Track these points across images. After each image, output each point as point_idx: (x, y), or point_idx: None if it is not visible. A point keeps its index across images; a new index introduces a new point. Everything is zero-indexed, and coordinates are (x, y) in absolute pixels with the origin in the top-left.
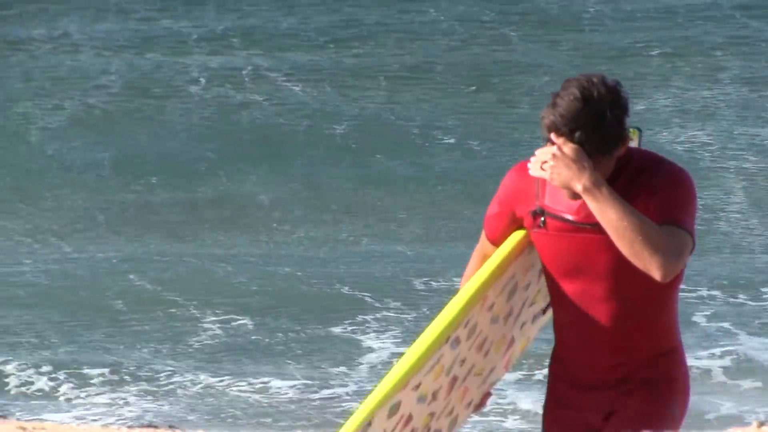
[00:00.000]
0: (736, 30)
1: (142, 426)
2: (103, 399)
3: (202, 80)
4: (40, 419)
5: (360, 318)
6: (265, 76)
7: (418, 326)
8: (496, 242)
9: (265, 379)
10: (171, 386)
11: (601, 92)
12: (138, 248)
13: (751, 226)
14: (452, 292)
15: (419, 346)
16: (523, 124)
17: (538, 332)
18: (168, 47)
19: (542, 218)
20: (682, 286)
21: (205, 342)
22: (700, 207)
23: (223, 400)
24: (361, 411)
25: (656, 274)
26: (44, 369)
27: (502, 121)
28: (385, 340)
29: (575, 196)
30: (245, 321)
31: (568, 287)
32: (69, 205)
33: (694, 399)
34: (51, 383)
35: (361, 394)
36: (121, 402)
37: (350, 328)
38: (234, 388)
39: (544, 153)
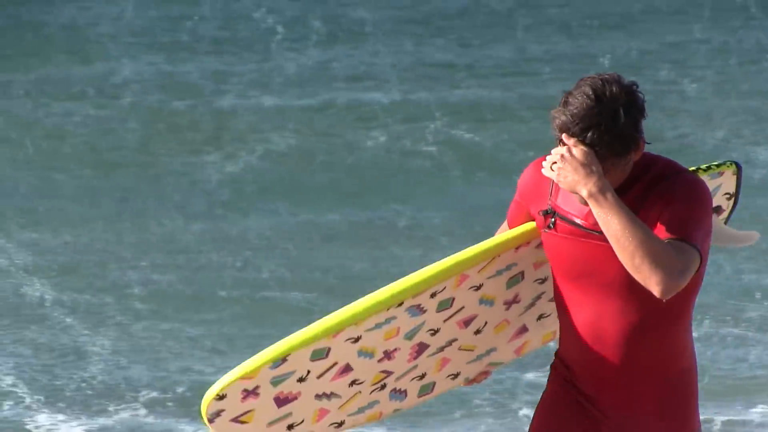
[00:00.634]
0: None
1: None
2: None
3: None
4: None
5: None
6: None
7: None
8: (511, 225)
9: None
10: None
11: (614, 92)
12: None
13: None
14: None
15: (358, 304)
16: None
17: None
18: None
19: (552, 219)
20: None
21: None
22: None
23: None
24: (276, 347)
25: (655, 290)
26: None
27: None
28: None
29: (582, 199)
30: None
31: (575, 295)
32: None
33: None
34: None
35: None
36: None
37: None
38: None
39: (556, 152)
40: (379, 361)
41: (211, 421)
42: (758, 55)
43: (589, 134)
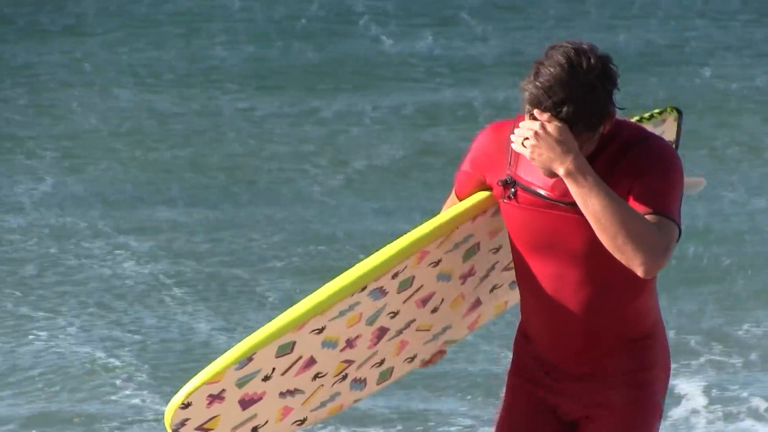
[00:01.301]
0: None
1: None
2: None
3: None
4: None
5: None
6: None
7: None
8: (461, 197)
9: None
10: None
11: (590, 62)
12: None
13: None
14: None
15: (322, 292)
16: None
17: (517, 298)
18: None
19: (512, 189)
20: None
21: None
22: None
23: None
24: (241, 346)
25: (639, 271)
26: None
27: None
28: None
29: (552, 174)
30: None
31: (537, 265)
32: None
33: None
34: None
35: None
36: None
37: None
38: None
39: (527, 128)
40: (342, 350)
41: (175, 431)
42: None
43: (564, 109)
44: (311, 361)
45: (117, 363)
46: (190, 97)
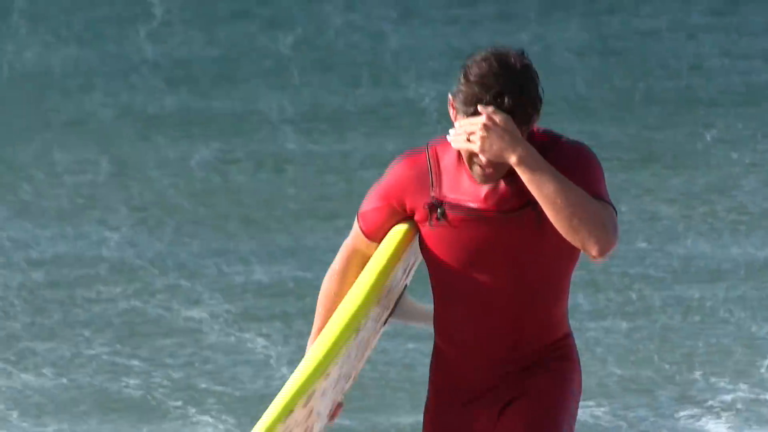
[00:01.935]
0: None
1: None
2: None
3: None
4: None
5: None
6: None
7: None
8: (374, 237)
9: None
10: None
11: (516, 57)
12: None
13: None
14: None
15: (335, 336)
16: None
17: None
18: None
19: (440, 210)
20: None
21: None
22: None
23: None
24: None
25: (594, 250)
26: None
27: None
28: None
29: (486, 178)
30: None
31: (467, 280)
32: None
33: None
34: None
35: None
36: None
37: None
38: None
39: (470, 124)
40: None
41: None
42: None
43: (505, 100)
44: (311, 410)
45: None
46: None
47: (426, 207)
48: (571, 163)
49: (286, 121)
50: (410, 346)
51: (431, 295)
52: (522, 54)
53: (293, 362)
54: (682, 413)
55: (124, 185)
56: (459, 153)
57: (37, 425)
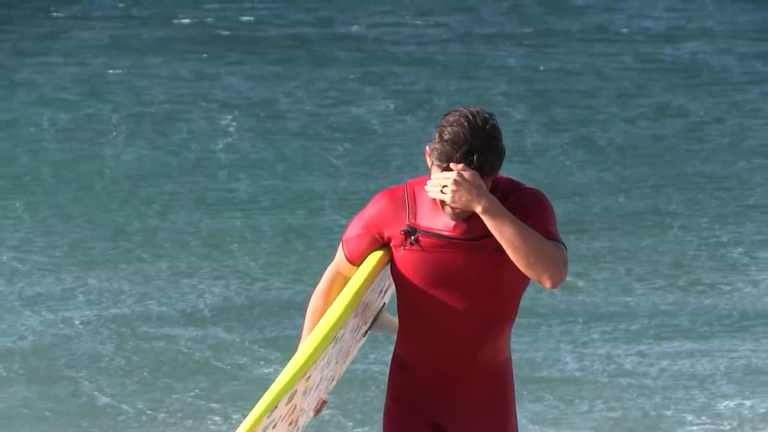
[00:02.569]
0: None
1: None
2: None
3: None
4: None
5: None
6: None
7: None
8: (356, 262)
9: None
10: None
11: (484, 118)
12: None
13: None
14: None
15: (315, 345)
16: None
17: (357, 350)
18: None
19: (414, 236)
20: None
21: None
22: None
23: None
24: (269, 397)
25: (548, 284)
26: None
27: None
28: None
29: (456, 216)
30: None
31: (431, 300)
32: None
33: None
34: None
35: None
36: None
37: None
38: None
39: (443, 178)
40: (305, 397)
41: None
42: None
43: (474, 157)
44: (294, 408)
45: None
46: None
47: (402, 233)
48: (529, 205)
49: None
50: None
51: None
52: (489, 115)
53: None
54: None
55: None
56: (427, 200)
57: None
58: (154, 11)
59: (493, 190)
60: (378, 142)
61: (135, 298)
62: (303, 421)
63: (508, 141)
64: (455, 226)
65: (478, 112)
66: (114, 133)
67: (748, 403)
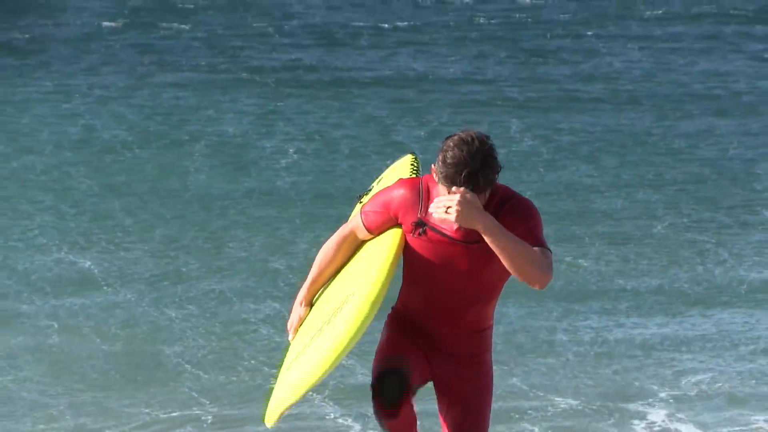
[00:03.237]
0: None
1: None
2: None
3: None
4: None
5: None
6: None
7: None
8: (373, 232)
9: None
10: None
11: (479, 141)
12: None
13: None
14: None
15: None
16: None
17: None
18: None
19: (422, 228)
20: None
21: None
22: None
23: None
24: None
25: (536, 286)
26: None
27: None
28: None
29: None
30: None
31: (430, 278)
32: None
33: None
34: None
35: None
36: None
37: None
38: None
39: (447, 200)
40: None
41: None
42: None
43: (473, 179)
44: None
45: None
46: None
47: (413, 224)
48: (523, 213)
49: None
50: None
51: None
52: (486, 137)
53: None
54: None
55: None
56: (442, 178)
57: None
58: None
59: (492, 195)
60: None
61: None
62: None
63: None
64: (457, 230)
65: (475, 135)
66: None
67: (710, 374)
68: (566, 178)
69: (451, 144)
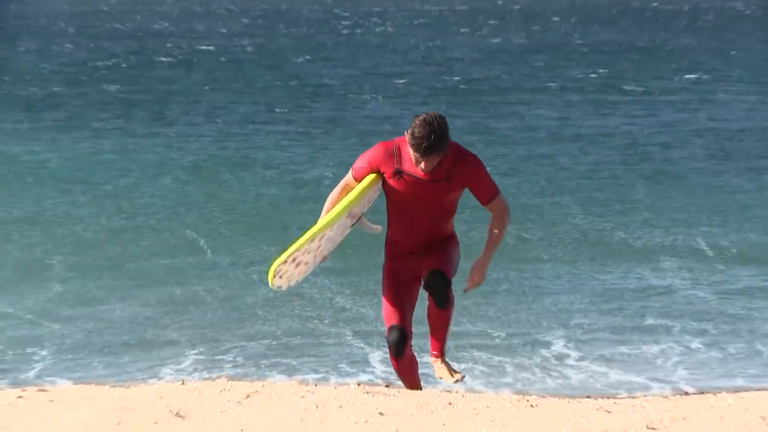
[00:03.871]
0: None
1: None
2: None
3: None
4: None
5: None
6: None
7: None
8: (359, 180)
9: None
10: None
11: (437, 119)
12: None
13: None
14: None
15: (321, 225)
16: None
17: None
18: None
19: (399, 174)
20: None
21: None
22: None
23: None
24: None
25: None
26: None
27: None
28: None
29: (424, 171)
30: None
31: (406, 208)
32: None
33: None
34: None
35: None
36: None
37: None
38: None
39: (474, 282)
40: (319, 243)
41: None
42: None
43: (432, 147)
44: (319, 246)
45: None
46: None
47: (392, 172)
48: (472, 168)
49: None
50: None
51: (386, 214)
52: (442, 117)
53: None
54: None
55: None
56: (409, 152)
57: None
58: None
59: (447, 155)
60: None
61: None
62: (307, 269)
63: None
64: (426, 174)
65: (435, 115)
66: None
67: (596, 316)
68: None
69: (417, 123)
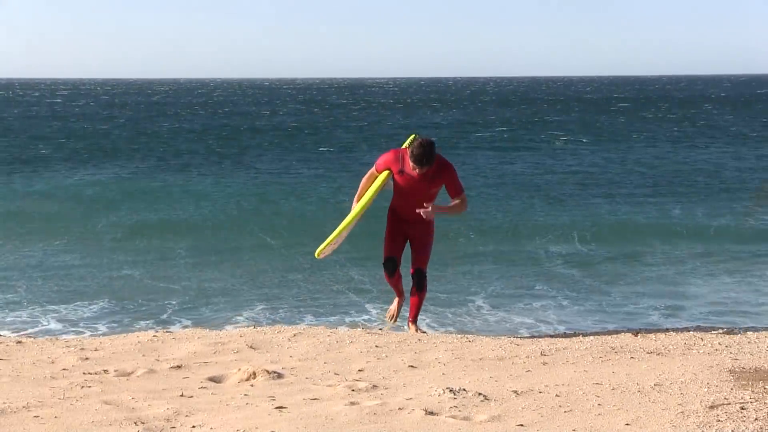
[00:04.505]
0: None
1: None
2: None
3: None
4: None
5: None
6: None
7: None
8: (380, 172)
9: None
10: None
11: (428, 143)
12: None
13: None
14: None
15: (357, 211)
16: None
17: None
18: None
19: (402, 172)
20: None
21: None
22: None
23: None
24: (339, 229)
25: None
26: None
27: None
28: None
29: (419, 172)
30: None
31: (404, 196)
32: None
33: None
34: None
35: None
36: None
37: None
38: None
39: (426, 213)
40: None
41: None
42: None
43: (425, 164)
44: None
45: None
46: None
47: (398, 170)
48: (447, 173)
49: None
50: None
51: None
52: (432, 141)
53: None
54: None
55: None
56: (409, 160)
57: None
58: None
59: (435, 163)
60: None
61: None
62: (338, 243)
63: None
64: (418, 173)
65: (425, 139)
66: None
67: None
68: None
69: (416, 144)
